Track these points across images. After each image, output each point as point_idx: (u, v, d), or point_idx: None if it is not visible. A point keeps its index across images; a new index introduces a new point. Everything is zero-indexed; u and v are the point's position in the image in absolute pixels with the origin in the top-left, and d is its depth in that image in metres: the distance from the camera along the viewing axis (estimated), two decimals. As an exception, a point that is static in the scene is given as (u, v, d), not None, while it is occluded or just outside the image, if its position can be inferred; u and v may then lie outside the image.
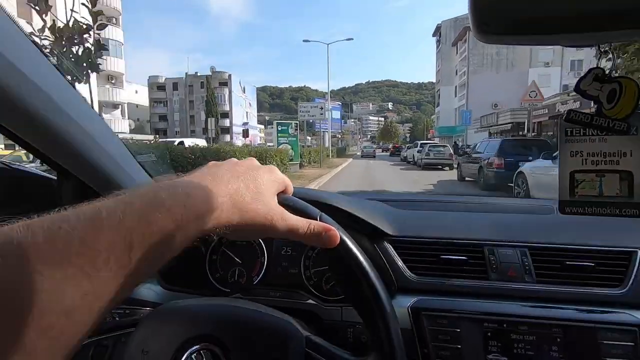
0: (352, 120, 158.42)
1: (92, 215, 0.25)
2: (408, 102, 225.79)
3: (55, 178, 0.74)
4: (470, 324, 0.64)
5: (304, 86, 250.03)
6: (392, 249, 0.75)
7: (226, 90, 55.50)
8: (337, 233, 0.39)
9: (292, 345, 0.47)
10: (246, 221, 0.34)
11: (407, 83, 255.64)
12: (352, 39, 30.04)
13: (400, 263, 0.73)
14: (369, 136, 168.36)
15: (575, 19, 0.40)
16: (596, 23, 0.40)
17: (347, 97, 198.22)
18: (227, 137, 54.63)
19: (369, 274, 0.41)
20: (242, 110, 58.06)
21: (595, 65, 0.50)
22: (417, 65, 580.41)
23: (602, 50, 0.48)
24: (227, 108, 56.39)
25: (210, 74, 55.98)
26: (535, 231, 0.76)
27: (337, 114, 37.83)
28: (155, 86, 57.67)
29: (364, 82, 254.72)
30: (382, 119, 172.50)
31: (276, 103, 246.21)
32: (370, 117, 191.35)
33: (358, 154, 46.88)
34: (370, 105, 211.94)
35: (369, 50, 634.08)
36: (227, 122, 55.81)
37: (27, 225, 0.23)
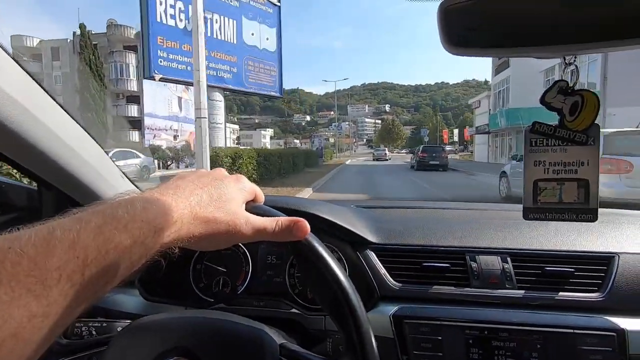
0: (347, 123, 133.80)
1: (45, 234, 0.24)
2: (406, 105, 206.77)
3: (37, 189, 0.73)
4: (452, 332, 0.64)
5: (297, 88, 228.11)
6: (375, 257, 0.75)
7: (133, 58, 31.66)
8: (306, 223, 0.38)
9: (266, 353, 0.46)
10: (209, 231, 0.34)
11: (404, 85, 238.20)
12: None
13: (382, 271, 0.73)
14: (365, 139, 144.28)
15: (543, 33, 0.41)
16: (563, 36, 0.40)
17: (342, 100, 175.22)
18: (136, 135, 30.02)
19: (337, 275, 0.40)
20: (170, 94, 33.63)
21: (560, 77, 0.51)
22: (414, 67, 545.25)
23: (567, 62, 0.49)
24: (135, 87, 32.15)
25: (105, 31, 31.90)
26: (516, 237, 0.77)
27: (267, 39, 11.21)
28: (27, 53, 33.63)
29: (359, 85, 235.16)
30: (379, 121, 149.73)
31: (267, 105, 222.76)
32: (367, 120, 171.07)
33: (347, 162, 31.28)
34: (367, 107, 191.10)
35: (364, 53, 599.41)
36: (135, 111, 31.59)
37: None
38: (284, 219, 0.38)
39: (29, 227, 0.25)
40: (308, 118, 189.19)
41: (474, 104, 34.36)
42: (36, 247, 0.23)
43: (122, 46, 32.90)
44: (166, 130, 34.70)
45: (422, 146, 22.17)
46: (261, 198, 0.42)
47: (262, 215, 0.38)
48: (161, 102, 33.87)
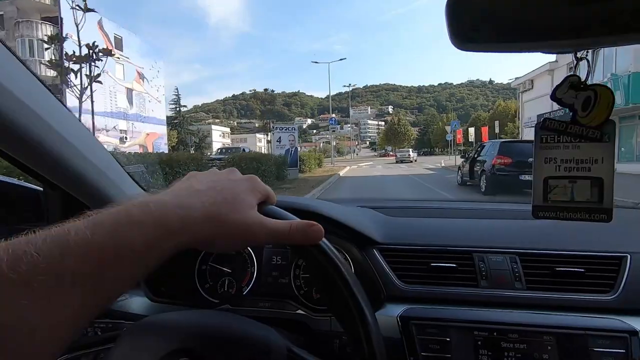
0: (349, 125, 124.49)
1: (60, 237, 0.24)
2: (409, 106, 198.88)
3: (42, 190, 0.74)
4: (460, 333, 0.63)
5: (298, 92, 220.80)
6: (381, 257, 0.74)
7: (49, 32, 22.13)
8: (321, 227, 0.37)
9: (273, 357, 0.45)
10: (223, 233, 0.33)
11: (407, 86, 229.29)
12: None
13: (389, 271, 0.72)
14: (367, 142, 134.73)
15: (553, 27, 0.40)
16: (573, 30, 0.40)
17: (344, 102, 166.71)
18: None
19: (346, 277, 0.39)
20: (113, 84, 23.98)
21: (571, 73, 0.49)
22: (417, 68, 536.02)
23: (579, 57, 0.47)
24: (53, 72, 22.42)
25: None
26: (525, 237, 0.75)
27: None
28: None
29: (361, 87, 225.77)
30: (382, 123, 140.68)
31: (268, 109, 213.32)
32: (369, 122, 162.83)
33: (342, 173, 18.67)
34: (369, 109, 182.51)
35: (366, 56, 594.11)
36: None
37: None
38: (298, 223, 0.37)
39: (45, 229, 0.25)
40: (309, 121, 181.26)
41: (522, 86, 24.32)
42: (52, 249, 0.23)
43: (39, 16, 23.70)
44: (107, 130, 25.15)
45: (498, 141, 9.81)
46: (274, 200, 0.41)
47: (275, 218, 0.38)
48: (98, 93, 24.22)
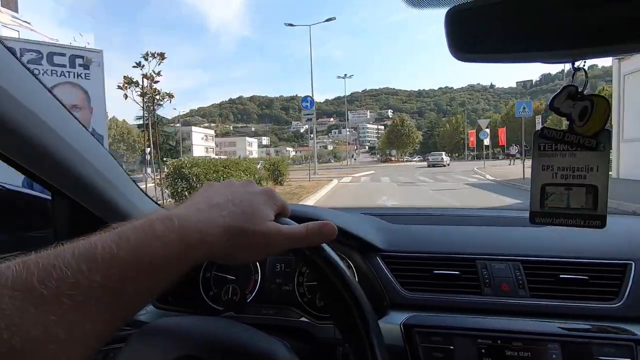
0: (348, 129, 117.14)
1: (87, 250, 0.25)
2: (409, 110, 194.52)
3: (50, 198, 0.74)
4: (463, 341, 0.63)
5: (296, 95, 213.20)
6: (384, 264, 0.74)
7: None
8: (334, 225, 0.39)
9: None
10: (242, 246, 0.34)
11: (406, 90, 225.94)
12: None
13: (392, 278, 0.73)
14: (367, 147, 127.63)
15: (551, 38, 0.41)
16: (569, 41, 0.41)
17: (343, 107, 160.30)
18: None
19: (349, 285, 0.39)
20: None
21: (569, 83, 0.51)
22: (417, 73, 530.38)
23: (577, 67, 0.48)
24: None
25: None
26: (529, 244, 0.75)
27: None
28: None
29: (359, 91, 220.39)
30: (382, 127, 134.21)
31: (265, 113, 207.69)
32: (368, 126, 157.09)
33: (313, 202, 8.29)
34: (368, 113, 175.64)
35: (365, 60, 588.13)
36: None
37: (24, 262, 0.23)
38: (312, 224, 0.38)
39: (71, 243, 0.25)
40: (306, 125, 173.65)
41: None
42: (79, 264, 0.23)
43: None
44: None
45: None
46: (288, 212, 0.42)
47: None
48: None
